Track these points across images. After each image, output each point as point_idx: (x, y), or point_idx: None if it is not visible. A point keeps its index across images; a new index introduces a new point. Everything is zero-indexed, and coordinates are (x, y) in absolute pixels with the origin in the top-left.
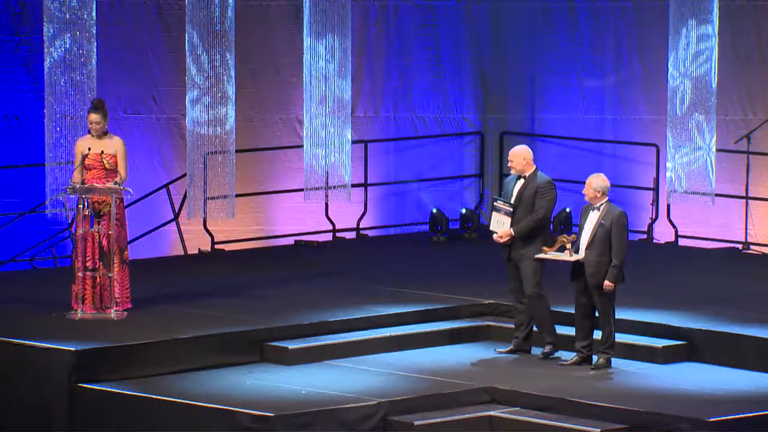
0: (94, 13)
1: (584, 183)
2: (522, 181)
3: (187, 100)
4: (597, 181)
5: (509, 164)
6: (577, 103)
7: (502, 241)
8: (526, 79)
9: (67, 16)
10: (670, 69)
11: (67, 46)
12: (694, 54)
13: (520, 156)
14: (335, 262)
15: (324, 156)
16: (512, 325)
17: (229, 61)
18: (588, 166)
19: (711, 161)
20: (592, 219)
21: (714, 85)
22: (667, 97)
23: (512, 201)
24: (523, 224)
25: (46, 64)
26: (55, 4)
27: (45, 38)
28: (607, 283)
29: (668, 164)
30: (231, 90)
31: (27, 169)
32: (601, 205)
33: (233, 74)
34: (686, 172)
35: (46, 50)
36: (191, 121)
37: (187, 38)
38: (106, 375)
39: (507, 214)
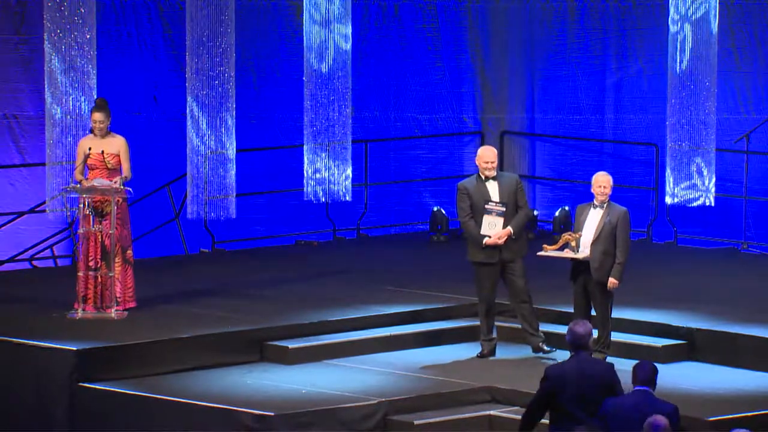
0: (94, 13)
1: (585, 182)
2: (492, 181)
3: (188, 99)
4: (609, 179)
5: (491, 165)
6: (578, 103)
7: (501, 242)
8: (526, 79)
9: (67, 16)
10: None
11: (67, 45)
12: None
13: (496, 156)
14: (335, 262)
15: (324, 156)
16: (518, 325)
17: (230, 61)
18: (588, 166)
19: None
20: (595, 216)
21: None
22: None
23: (497, 200)
24: (519, 221)
25: (46, 63)
26: (56, 4)
27: (45, 38)
28: (612, 280)
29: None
30: (231, 89)
31: (27, 168)
32: (604, 202)
33: (233, 74)
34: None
35: (46, 50)
36: (192, 120)
37: (187, 39)
38: (106, 375)
39: (499, 214)
